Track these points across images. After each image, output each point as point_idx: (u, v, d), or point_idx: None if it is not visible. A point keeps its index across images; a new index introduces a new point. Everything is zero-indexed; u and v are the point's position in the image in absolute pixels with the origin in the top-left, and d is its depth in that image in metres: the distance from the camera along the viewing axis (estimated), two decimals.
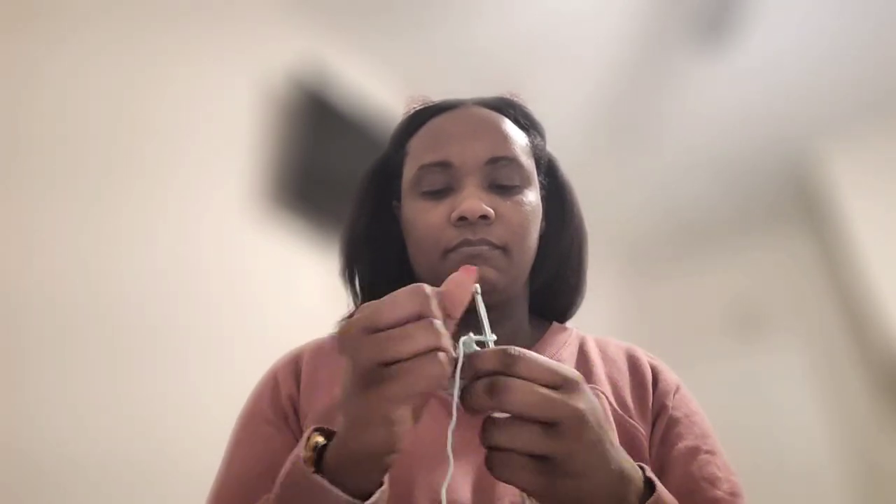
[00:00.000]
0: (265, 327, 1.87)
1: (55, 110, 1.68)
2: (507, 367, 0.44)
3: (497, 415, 0.46)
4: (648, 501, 0.49)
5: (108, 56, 1.82)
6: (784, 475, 2.92)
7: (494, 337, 0.49)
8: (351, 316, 0.75)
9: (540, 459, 0.44)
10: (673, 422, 0.68)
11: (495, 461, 0.45)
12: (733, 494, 0.63)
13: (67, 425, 1.49)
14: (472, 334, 0.47)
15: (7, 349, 1.47)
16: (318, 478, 0.46)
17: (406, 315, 0.44)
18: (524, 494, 0.59)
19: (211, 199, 2.00)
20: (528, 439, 0.44)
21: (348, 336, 0.45)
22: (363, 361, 0.44)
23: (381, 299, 0.46)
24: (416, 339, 0.43)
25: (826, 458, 3.09)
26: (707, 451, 0.66)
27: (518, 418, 0.44)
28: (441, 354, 0.43)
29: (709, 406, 0.74)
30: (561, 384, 0.45)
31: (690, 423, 0.69)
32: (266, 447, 0.66)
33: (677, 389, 0.72)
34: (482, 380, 0.44)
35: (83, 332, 1.59)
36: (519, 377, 0.44)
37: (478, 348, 0.47)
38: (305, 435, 0.50)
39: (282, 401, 0.69)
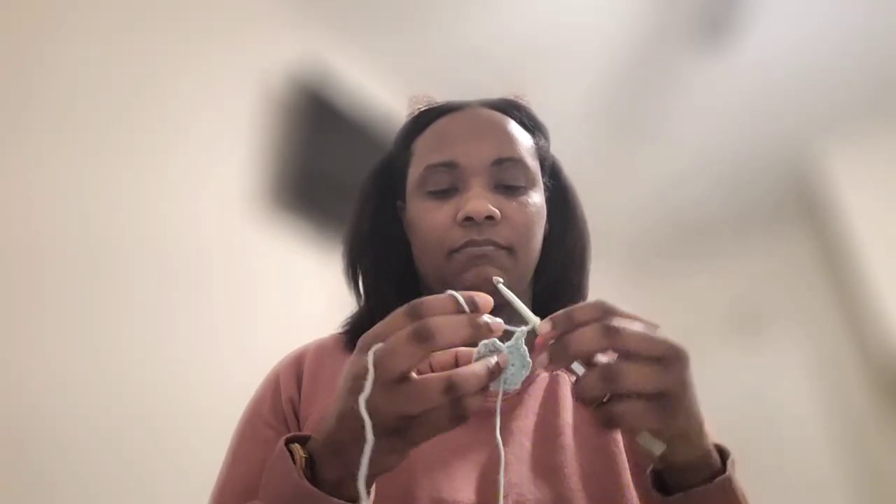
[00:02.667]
0: (267, 328, 1.87)
1: (52, 109, 1.68)
2: (606, 315, 0.47)
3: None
4: (729, 460, 0.54)
5: (105, 55, 1.82)
6: (783, 474, 2.92)
7: (537, 319, 0.50)
8: (354, 321, 0.75)
9: (655, 399, 0.46)
10: None
11: (621, 410, 0.46)
12: None
13: (68, 427, 1.49)
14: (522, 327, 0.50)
15: (8, 357, 1.47)
16: (321, 494, 0.47)
17: (411, 357, 0.44)
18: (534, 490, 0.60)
19: (211, 200, 2.00)
20: (650, 376, 0.46)
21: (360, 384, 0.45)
22: (383, 416, 0.44)
23: (383, 332, 0.46)
24: (434, 396, 0.43)
25: (825, 457, 3.09)
26: None
27: (628, 358, 0.46)
28: (469, 398, 0.44)
29: (709, 405, 0.74)
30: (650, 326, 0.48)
31: None
32: (266, 450, 0.66)
33: None
34: (595, 326, 0.47)
35: (82, 338, 1.59)
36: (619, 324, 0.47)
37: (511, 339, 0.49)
38: (282, 446, 0.51)
39: (282, 404, 0.69)
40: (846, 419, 3.13)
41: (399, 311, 0.46)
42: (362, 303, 0.76)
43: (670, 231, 3.72)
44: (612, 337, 0.46)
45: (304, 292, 1.99)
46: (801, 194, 3.37)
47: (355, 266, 0.76)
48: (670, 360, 0.47)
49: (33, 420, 1.45)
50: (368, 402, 0.43)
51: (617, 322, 0.46)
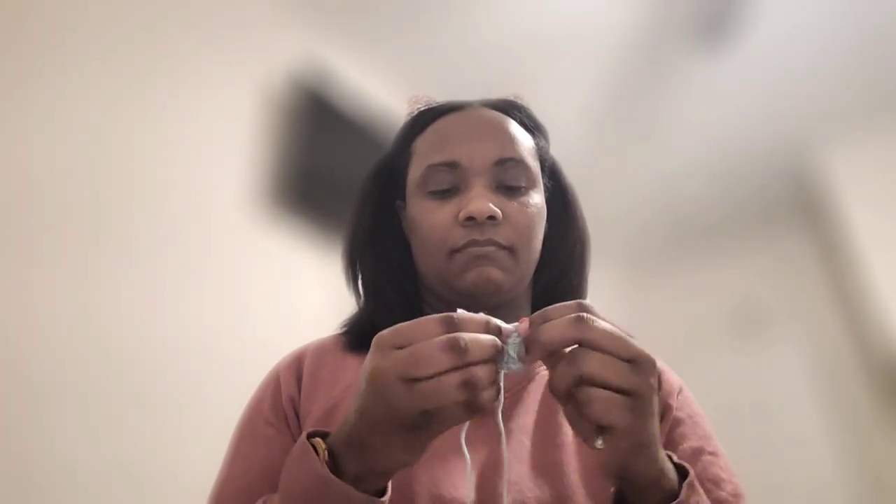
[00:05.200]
0: (266, 328, 1.87)
1: (50, 110, 1.67)
2: (581, 312, 0.47)
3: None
4: (685, 482, 0.53)
5: (105, 57, 1.81)
6: (783, 474, 2.92)
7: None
8: (353, 321, 0.75)
9: (625, 395, 0.46)
10: (677, 422, 0.69)
11: (590, 397, 0.46)
12: (736, 496, 0.65)
13: (66, 429, 1.49)
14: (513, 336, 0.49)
15: (6, 357, 1.47)
16: (345, 486, 0.48)
17: (442, 364, 0.45)
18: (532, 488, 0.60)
19: (211, 200, 2.00)
20: (618, 370, 0.46)
21: (384, 383, 0.46)
22: (404, 412, 0.45)
23: (410, 334, 0.47)
24: (452, 389, 0.44)
25: (826, 457, 3.09)
26: (710, 453, 0.67)
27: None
28: (483, 392, 0.46)
29: (709, 405, 0.74)
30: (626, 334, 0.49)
31: (694, 424, 0.70)
32: (267, 448, 0.66)
33: (680, 390, 0.73)
34: (566, 317, 0.47)
35: (81, 337, 1.59)
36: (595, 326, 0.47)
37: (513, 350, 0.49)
38: (304, 440, 0.52)
39: (283, 402, 0.69)
40: (847, 419, 3.13)
41: (432, 318, 0.47)
42: (362, 303, 0.76)
43: (670, 231, 3.72)
44: (582, 328, 0.46)
45: (304, 292, 1.99)
46: (801, 194, 3.37)
47: (355, 266, 0.76)
48: (640, 363, 0.47)
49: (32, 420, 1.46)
50: (387, 392, 0.45)
51: (589, 318, 0.47)
